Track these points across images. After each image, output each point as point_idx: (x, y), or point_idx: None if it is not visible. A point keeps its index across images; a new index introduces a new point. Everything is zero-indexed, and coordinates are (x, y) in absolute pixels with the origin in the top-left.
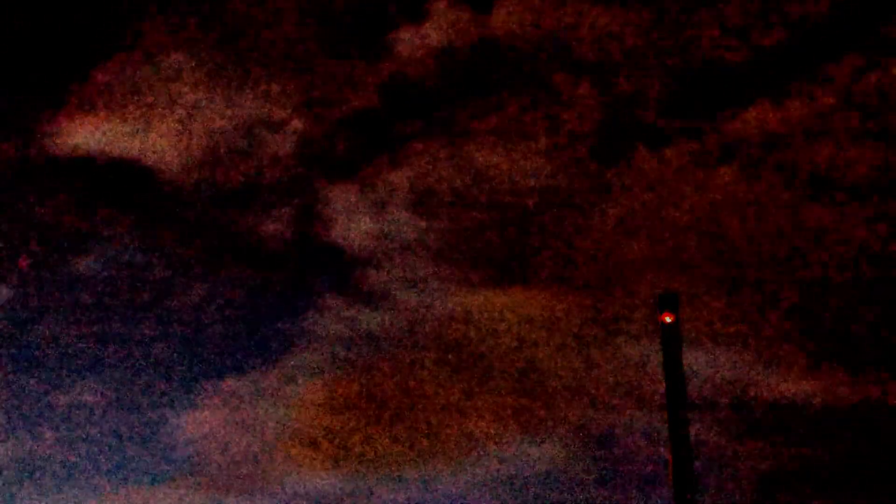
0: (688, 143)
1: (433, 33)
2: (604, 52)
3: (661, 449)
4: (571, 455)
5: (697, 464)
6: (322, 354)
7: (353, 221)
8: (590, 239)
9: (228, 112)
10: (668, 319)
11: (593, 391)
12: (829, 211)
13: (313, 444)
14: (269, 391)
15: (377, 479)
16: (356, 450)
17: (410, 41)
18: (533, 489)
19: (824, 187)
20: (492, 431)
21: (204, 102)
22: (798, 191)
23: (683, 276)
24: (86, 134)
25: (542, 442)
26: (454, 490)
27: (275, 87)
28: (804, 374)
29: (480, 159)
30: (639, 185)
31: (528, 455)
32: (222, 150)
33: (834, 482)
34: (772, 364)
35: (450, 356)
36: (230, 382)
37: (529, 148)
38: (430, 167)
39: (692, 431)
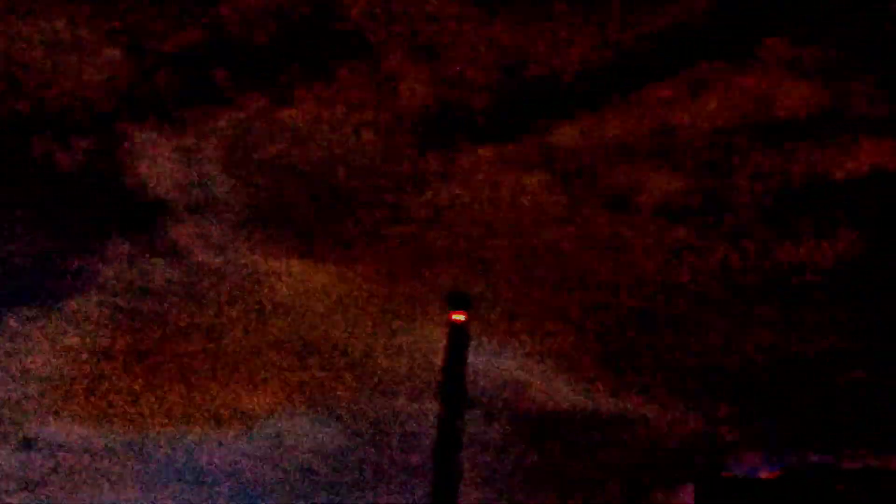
0: (508, 144)
1: None
2: (444, 43)
3: (430, 439)
4: (345, 435)
5: (464, 457)
6: (105, 302)
7: (159, 167)
8: (401, 224)
9: (32, 28)
10: (457, 318)
11: (376, 375)
12: (625, 229)
13: (80, 395)
14: (42, 336)
15: (142, 436)
16: (124, 405)
17: None
18: (304, 464)
19: (623, 205)
20: (269, 402)
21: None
22: (599, 206)
23: (483, 274)
24: None
25: (319, 419)
26: (222, 457)
27: (86, 7)
28: (580, 383)
29: (303, 127)
30: (456, 178)
31: (303, 430)
32: (22, 70)
33: (588, 487)
34: (552, 371)
35: (240, 323)
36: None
37: (355, 123)
38: (250, 125)
39: (466, 426)
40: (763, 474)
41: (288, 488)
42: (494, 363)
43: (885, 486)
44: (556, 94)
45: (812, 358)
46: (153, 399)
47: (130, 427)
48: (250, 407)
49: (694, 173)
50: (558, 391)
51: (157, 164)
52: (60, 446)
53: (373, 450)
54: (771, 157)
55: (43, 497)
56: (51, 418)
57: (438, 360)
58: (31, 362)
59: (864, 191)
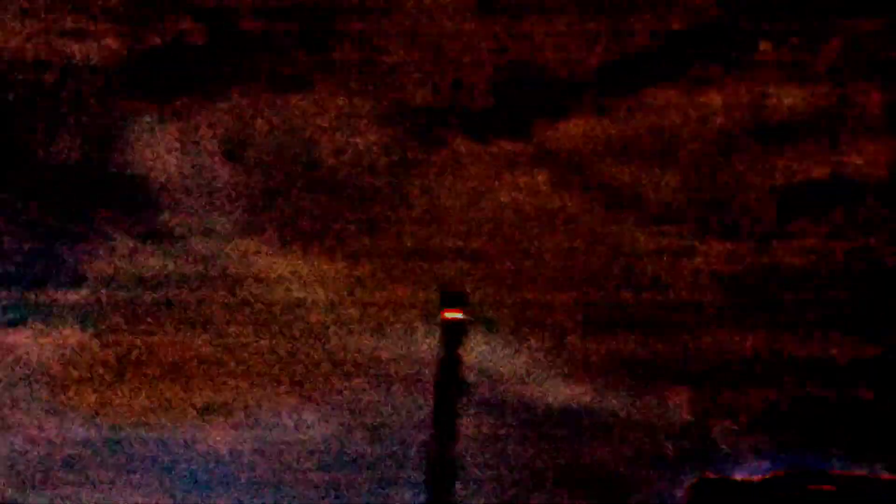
0: (508, 142)
1: None
2: (444, 37)
3: (425, 436)
4: (338, 432)
5: (459, 454)
6: (95, 296)
7: (155, 153)
8: (397, 218)
9: (33, 19)
10: (450, 316)
11: (372, 373)
12: (625, 232)
13: (69, 388)
14: (29, 333)
15: (138, 434)
16: (118, 401)
17: None
18: (304, 458)
19: (621, 206)
20: (268, 395)
21: None
22: (597, 206)
23: (479, 272)
24: None
25: (311, 415)
26: (223, 452)
27: None
28: (577, 381)
29: (302, 115)
30: (454, 175)
31: (295, 427)
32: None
33: (581, 484)
34: (547, 368)
35: (235, 315)
36: None
37: (354, 111)
38: (250, 113)
39: (468, 425)
40: (754, 477)
41: (278, 484)
42: (489, 360)
43: (871, 494)
44: (557, 94)
45: (812, 365)
46: (150, 395)
47: (124, 423)
48: (252, 401)
49: (693, 175)
50: (554, 388)
51: (154, 150)
52: (53, 442)
53: (366, 447)
54: (767, 158)
55: (37, 492)
56: (44, 413)
57: (434, 359)
58: (25, 354)
59: (860, 192)
